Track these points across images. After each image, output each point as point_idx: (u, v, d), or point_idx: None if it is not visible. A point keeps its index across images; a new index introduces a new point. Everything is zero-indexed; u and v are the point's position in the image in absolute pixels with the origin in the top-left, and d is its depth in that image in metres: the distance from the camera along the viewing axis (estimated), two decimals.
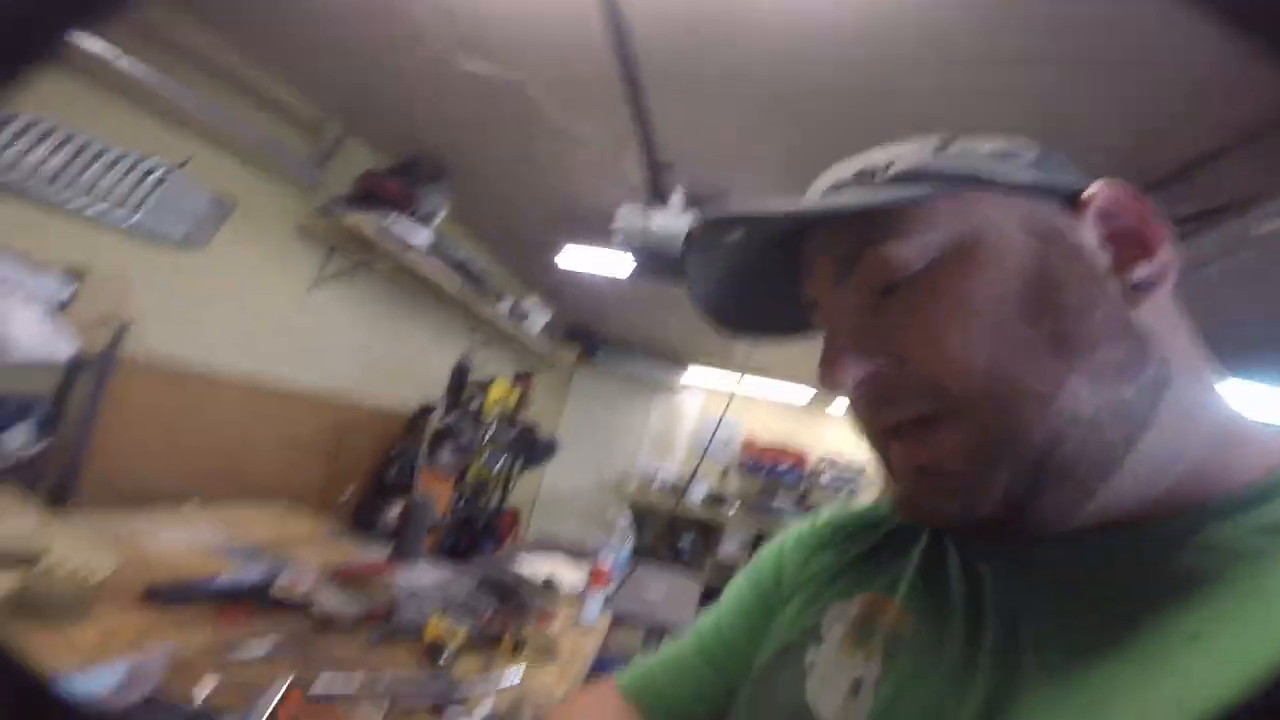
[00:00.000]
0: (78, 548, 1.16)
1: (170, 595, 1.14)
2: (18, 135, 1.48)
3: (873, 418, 0.38)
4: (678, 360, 5.35)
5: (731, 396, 5.02)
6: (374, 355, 3.37)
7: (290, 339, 2.74)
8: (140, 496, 1.91)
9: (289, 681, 0.99)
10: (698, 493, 5.11)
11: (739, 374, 4.85)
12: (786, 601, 0.53)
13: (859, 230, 0.37)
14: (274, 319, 2.60)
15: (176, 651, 0.97)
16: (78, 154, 1.61)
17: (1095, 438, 0.32)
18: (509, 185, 2.60)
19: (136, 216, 1.81)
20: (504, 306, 3.70)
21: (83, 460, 1.89)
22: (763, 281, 0.44)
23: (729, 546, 5.02)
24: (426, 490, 3.27)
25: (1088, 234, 0.35)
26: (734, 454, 5.42)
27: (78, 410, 1.88)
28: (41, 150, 1.53)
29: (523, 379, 4.06)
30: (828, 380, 0.37)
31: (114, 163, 1.70)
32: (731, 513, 5.08)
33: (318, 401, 3.03)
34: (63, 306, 1.72)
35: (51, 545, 1.11)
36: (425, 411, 3.56)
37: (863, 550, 0.51)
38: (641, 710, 0.58)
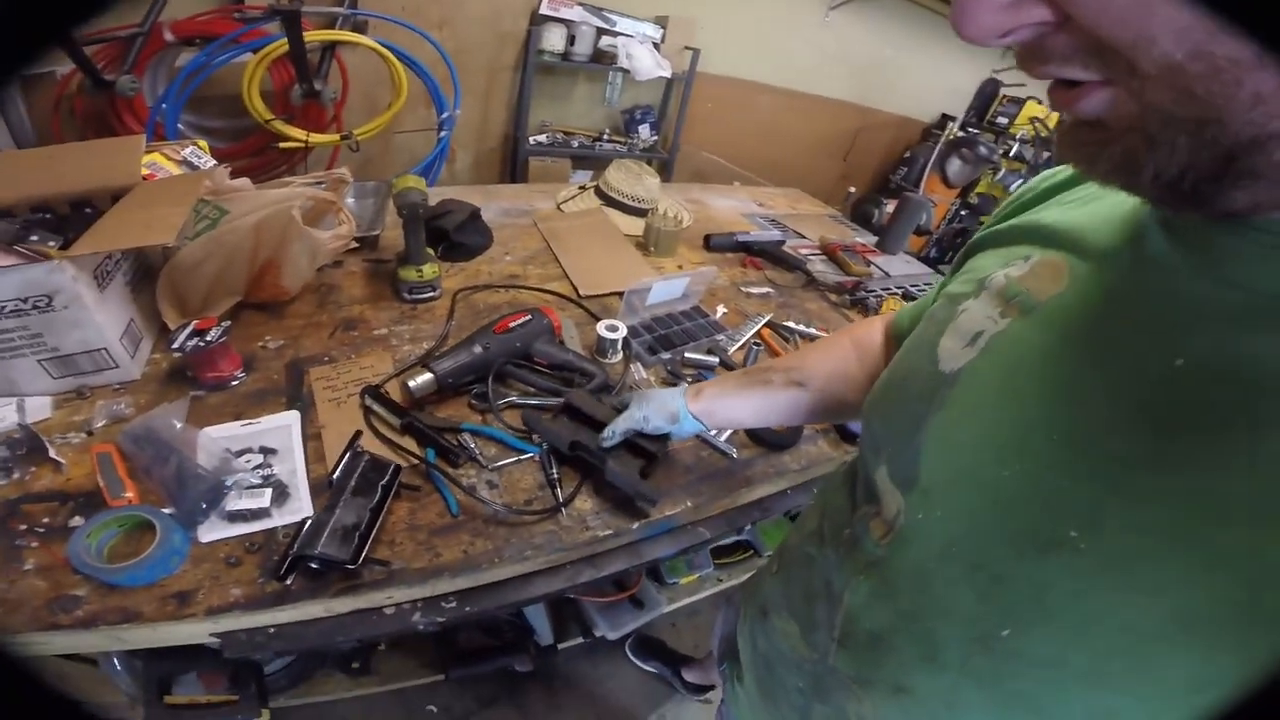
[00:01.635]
0: (674, 205, 1.69)
1: (717, 243, 1.60)
2: None
3: (1023, 67, 0.29)
4: None
5: None
6: (892, 68, 3.35)
7: (814, 54, 3.02)
8: (703, 175, 2.57)
9: (768, 318, 1.30)
10: None
11: None
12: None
13: None
14: (800, 38, 2.93)
15: (714, 277, 1.34)
16: None
17: None
18: None
19: None
20: None
21: (674, 148, 2.68)
22: None
23: None
24: (928, 194, 3.23)
25: None
26: None
27: (671, 114, 2.65)
28: None
29: None
30: (963, 27, 0.27)
31: None
32: None
33: (838, 107, 3.26)
34: (657, 45, 2.39)
35: (660, 201, 1.65)
36: (945, 121, 3.33)
37: (1078, 210, 0.42)
38: (888, 337, 0.68)
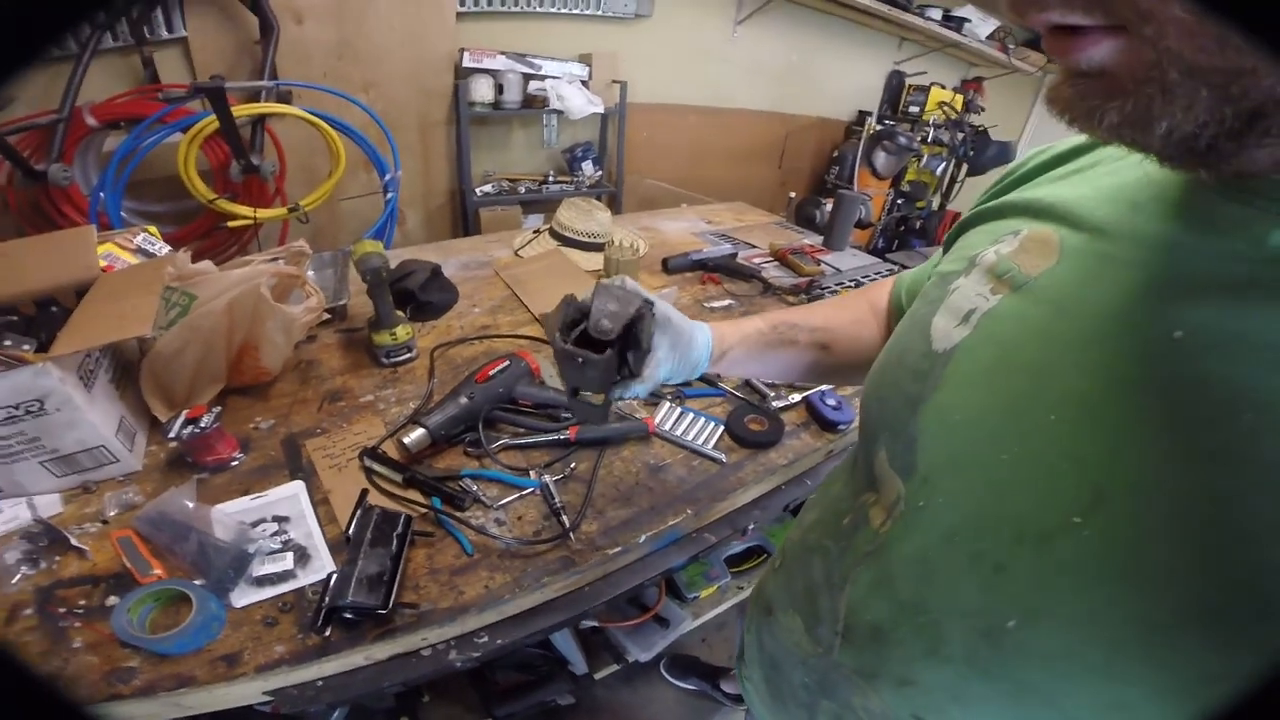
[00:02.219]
0: (628, 235, 1.78)
1: (675, 265, 1.67)
2: None
3: (1016, 13, 0.27)
4: None
5: None
6: (803, 73, 3.60)
7: (730, 70, 3.24)
8: (651, 202, 2.69)
9: None
10: None
11: None
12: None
13: None
14: (714, 57, 3.15)
15: (675, 298, 1.47)
16: None
17: None
18: None
19: (600, 8, 2.50)
20: (933, 15, 3.29)
21: (619, 180, 2.81)
22: None
23: None
24: (863, 189, 3.42)
25: None
26: None
27: (611, 147, 2.79)
28: None
29: (971, 84, 3.60)
30: None
31: None
32: None
33: (762, 117, 3.49)
34: (585, 82, 2.57)
35: (614, 233, 1.73)
36: (861, 118, 3.56)
37: (1070, 184, 0.41)
38: (894, 298, 0.67)
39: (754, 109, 3.46)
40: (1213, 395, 0.27)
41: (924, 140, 3.45)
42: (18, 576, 0.71)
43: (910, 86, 3.62)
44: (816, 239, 2.11)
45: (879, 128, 3.39)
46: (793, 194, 3.41)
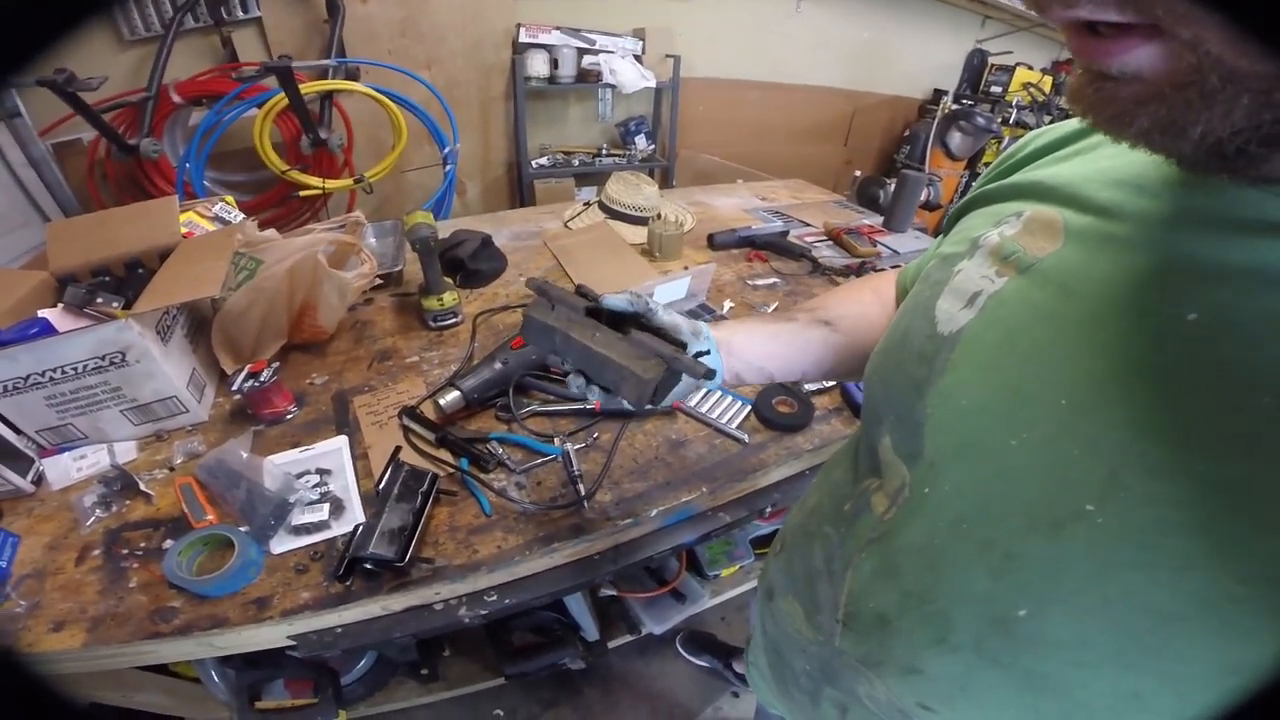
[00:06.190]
0: (675, 210, 1.78)
1: (721, 241, 1.66)
2: None
3: (1040, 7, 0.26)
4: None
5: None
6: (874, 50, 3.44)
7: (792, 46, 3.13)
8: (706, 177, 2.66)
9: (774, 307, 1.35)
10: None
11: None
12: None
13: None
14: (775, 33, 3.05)
15: (716, 273, 1.43)
16: None
17: None
18: None
19: None
20: None
21: (671, 154, 2.79)
22: None
23: None
24: (936, 170, 3.25)
25: None
26: None
27: (664, 121, 2.76)
28: None
29: (1063, 66, 3.37)
30: None
31: None
32: None
33: (826, 94, 3.34)
34: (638, 57, 2.56)
35: (661, 207, 1.73)
36: (937, 97, 3.38)
37: (1073, 164, 0.40)
38: (899, 286, 0.64)
39: (817, 85, 3.33)
40: (1231, 379, 0.26)
41: (1005, 122, 3.25)
42: (91, 519, 0.80)
43: (993, 66, 3.41)
44: (877, 219, 2.03)
45: (955, 107, 3.20)
46: (858, 172, 3.28)
